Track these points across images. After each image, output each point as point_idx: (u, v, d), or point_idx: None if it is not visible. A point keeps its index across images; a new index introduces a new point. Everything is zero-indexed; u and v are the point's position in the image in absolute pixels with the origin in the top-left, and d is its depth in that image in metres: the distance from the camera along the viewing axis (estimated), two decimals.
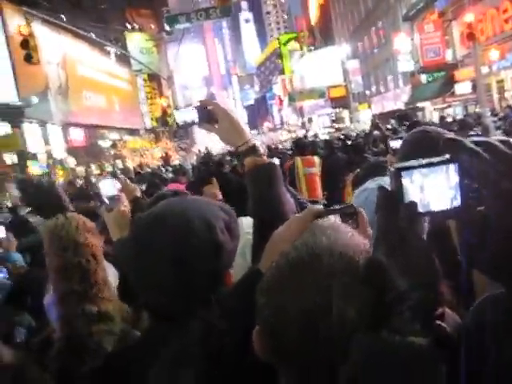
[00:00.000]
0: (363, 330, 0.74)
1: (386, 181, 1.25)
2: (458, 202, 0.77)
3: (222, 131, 1.60)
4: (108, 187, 2.48)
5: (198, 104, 1.63)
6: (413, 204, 0.75)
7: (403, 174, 0.76)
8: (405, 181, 0.76)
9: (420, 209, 0.76)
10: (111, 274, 1.75)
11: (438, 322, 0.73)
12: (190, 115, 1.62)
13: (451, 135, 0.78)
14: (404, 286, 0.72)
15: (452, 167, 0.76)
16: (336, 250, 0.81)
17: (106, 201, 2.40)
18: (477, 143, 0.76)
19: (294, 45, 74.28)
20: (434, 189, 0.77)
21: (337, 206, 1.09)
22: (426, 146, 1.44)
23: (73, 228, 1.58)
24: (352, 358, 0.72)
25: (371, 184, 1.74)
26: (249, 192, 1.62)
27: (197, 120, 1.61)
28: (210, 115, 1.60)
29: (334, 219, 0.95)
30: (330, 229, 0.87)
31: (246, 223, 2.00)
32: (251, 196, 1.61)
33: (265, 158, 1.61)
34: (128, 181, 2.81)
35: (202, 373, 1.05)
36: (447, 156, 0.76)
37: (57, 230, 1.59)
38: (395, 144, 3.11)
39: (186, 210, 1.35)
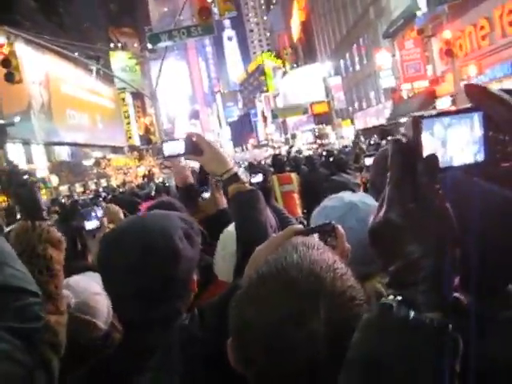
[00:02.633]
0: (373, 305, 0.68)
1: (344, 197, 1.28)
2: (481, 157, 0.68)
3: (206, 161, 1.73)
4: (91, 221, 2.60)
5: (184, 136, 1.72)
6: (434, 157, 0.66)
7: (423, 123, 0.67)
8: (424, 133, 0.67)
9: (441, 164, 0.67)
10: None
11: (456, 294, 0.67)
12: (176, 147, 1.72)
13: (475, 83, 0.72)
14: (418, 252, 0.65)
15: (476, 117, 0.68)
16: (305, 266, 0.82)
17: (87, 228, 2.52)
18: (504, 91, 0.68)
19: (276, 62, 74.82)
20: (457, 141, 0.68)
21: (315, 225, 1.13)
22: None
23: (35, 236, 1.56)
24: (359, 338, 0.67)
25: (329, 202, 1.78)
26: (232, 217, 1.75)
27: (183, 152, 1.71)
28: (195, 146, 1.70)
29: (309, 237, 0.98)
30: (301, 245, 0.88)
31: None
32: (234, 221, 1.73)
33: (246, 185, 1.72)
34: (111, 205, 2.89)
35: (184, 381, 1.07)
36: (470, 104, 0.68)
37: (20, 233, 1.58)
38: (369, 161, 3.15)
39: (145, 224, 1.44)
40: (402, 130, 0.73)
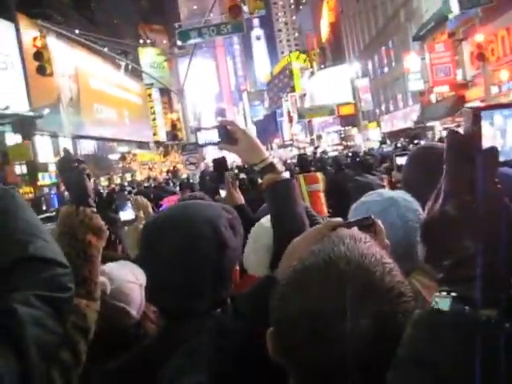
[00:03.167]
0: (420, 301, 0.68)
1: (384, 193, 1.24)
2: None
3: (241, 151, 1.69)
4: (126, 212, 2.60)
5: (218, 124, 1.70)
6: (494, 150, 0.64)
7: (482, 115, 0.65)
8: (483, 124, 0.64)
9: (500, 157, 0.65)
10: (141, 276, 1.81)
11: None
12: (210, 135, 1.70)
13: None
14: (475, 247, 0.63)
15: None
16: (353, 259, 0.79)
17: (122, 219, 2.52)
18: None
19: (303, 63, 74.66)
20: None
21: (354, 219, 1.11)
22: (430, 161, 1.45)
23: (77, 220, 1.62)
24: (412, 333, 0.66)
25: (368, 197, 1.75)
26: (268, 208, 1.73)
27: (217, 140, 1.68)
28: (229, 135, 1.67)
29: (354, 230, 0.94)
30: (348, 238, 0.85)
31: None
32: (270, 212, 1.71)
33: (282, 175, 1.69)
34: (139, 197, 2.87)
35: (214, 372, 1.06)
36: None
37: (64, 216, 1.64)
38: (400, 160, 3.10)
39: (190, 212, 1.42)
40: (429, 134, 0.71)
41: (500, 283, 0.62)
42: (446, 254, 0.66)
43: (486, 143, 0.64)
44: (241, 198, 2.65)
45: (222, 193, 2.69)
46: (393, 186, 4.62)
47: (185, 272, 1.31)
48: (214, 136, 1.69)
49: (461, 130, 0.68)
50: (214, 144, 1.71)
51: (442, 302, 0.64)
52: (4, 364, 1.01)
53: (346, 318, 0.74)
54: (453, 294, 0.64)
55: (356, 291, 0.75)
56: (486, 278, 0.62)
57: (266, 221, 2.09)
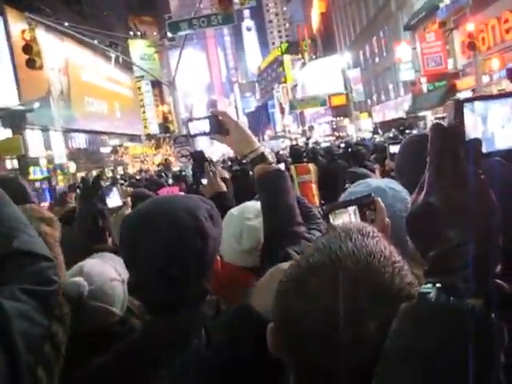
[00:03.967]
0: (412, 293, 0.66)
1: (371, 183, 1.23)
2: None
3: (232, 141, 1.70)
4: (113, 198, 2.58)
5: (210, 114, 1.70)
6: (477, 141, 0.65)
7: (465, 106, 0.65)
8: (466, 115, 0.65)
9: (484, 148, 0.65)
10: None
11: (498, 281, 0.64)
12: (202, 126, 1.69)
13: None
14: (459, 238, 0.63)
15: None
16: (361, 258, 0.75)
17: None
18: None
19: (293, 55, 74.48)
20: (499, 125, 0.66)
21: (354, 197, 1.10)
22: (422, 148, 1.44)
23: (26, 215, 1.62)
24: (398, 327, 0.65)
25: (356, 187, 1.74)
26: (259, 198, 1.73)
27: (209, 130, 1.69)
28: (220, 126, 1.67)
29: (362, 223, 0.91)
30: (356, 232, 0.80)
31: (247, 209, 2.04)
32: (261, 201, 1.71)
33: (273, 165, 1.70)
34: (128, 189, 2.87)
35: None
36: None
37: None
38: (393, 149, 3.12)
39: (170, 204, 1.42)
40: (421, 124, 0.71)
41: (485, 273, 0.62)
42: (431, 246, 0.66)
43: (468, 132, 0.64)
44: (222, 186, 2.70)
45: (204, 182, 2.76)
46: (384, 176, 4.63)
47: (168, 264, 1.30)
48: (206, 126, 1.69)
49: (444, 123, 0.68)
50: (205, 134, 1.72)
51: (428, 292, 0.64)
52: None
53: (354, 320, 0.72)
54: (438, 284, 0.64)
55: (364, 293, 0.72)
56: (471, 268, 0.62)
57: (235, 210, 2.09)
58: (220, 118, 1.68)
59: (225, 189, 2.72)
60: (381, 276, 0.74)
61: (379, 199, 1.03)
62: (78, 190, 2.42)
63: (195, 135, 1.73)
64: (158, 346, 1.30)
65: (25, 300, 1.16)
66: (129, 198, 2.65)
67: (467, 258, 0.62)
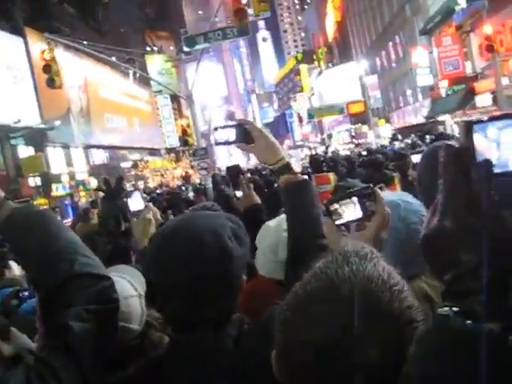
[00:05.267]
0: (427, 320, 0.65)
1: (384, 197, 1.24)
2: None
3: (258, 150, 1.67)
4: (135, 202, 2.58)
5: (236, 123, 1.69)
6: (488, 162, 0.64)
7: (476, 128, 0.65)
8: (477, 136, 0.65)
9: (495, 169, 0.64)
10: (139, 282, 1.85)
11: None
12: (229, 134, 1.68)
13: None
14: (475, 261, 0.62)
15: None
16: (359, 283, 0.73)
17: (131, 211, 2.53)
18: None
19: (309, 63, 74.51)
20: (511, 145, 0.65)
21: (352, 189, 1.11)
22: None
23: None
24: (416, 351, 0.64)
25: None
26: (284, 208, 1.72)
27: (234, 139, 1.67)
28: (246, 134, 1.65)
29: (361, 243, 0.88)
30: (353, 255, 0.78)
31: (283, 221, 2.04)
32: (286, 212, 1.70)
33: (299, 176, 1.67)
34: (149, 204, 2.86)
35: None
36: None
37: None
38: (416, 158, 3.10)
39: (195, 223, 1.42)
40: (441, 128, 0.71)
41: (501, 296, 0.61)
42: (446, 268, 0.66)
43: (481, 156, 0.64)
44: (257, 199, 2.70)
45: (238, 195, 2.76)
46: (405, 185, 4.60)
47: (190, 283, 1.31)
48: (231, 135, 1.67)
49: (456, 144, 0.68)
50: (231, 143, 1.69)
51: (446, 315, 0.64)
52: (69, 374, 1.17)
53: (352, 348, 0.69)
54: (455, 308, 0.63)
55: (361, 319, 0.70)
56: (487, 292, 0.61)
57: (271, 222, 2.10)
58: (246, 126, 1.66)
59: (259, 201, 2.73)
60: (378, 301, 0.71)
61: (378, 190, 1.03)
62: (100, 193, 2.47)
63: (221, 143, 1.71)
64: (179, 365, 1.30)
65: (90, 319, 1.26)
66: (150, 203, 2.64)
67: (483, 281, 0.61)
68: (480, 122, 0.65)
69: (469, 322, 0.61)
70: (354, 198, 1.08)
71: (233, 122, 1.70)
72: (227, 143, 1.70)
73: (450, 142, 0.68)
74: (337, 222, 1.14)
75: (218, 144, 1.73)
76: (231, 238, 1.37)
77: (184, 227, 1.42)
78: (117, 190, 2.67)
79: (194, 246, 1.33)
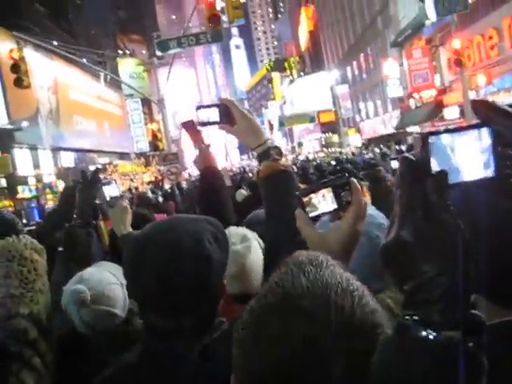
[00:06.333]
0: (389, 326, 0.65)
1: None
2: (491, 172, 0.67)
3: (239, 132, 1.58)
4: (111, 189, 2.63)
5: (219, 102, 1.59)
6: (443, 173, 0.65)
7: (430, 140, 0.67)
8: (432, 148, 0.66)
9: (450, 179, 0.66)
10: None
11: (473, 311, 0.63)
12: (211, 114, 1.58)
13: (481, 99, 0.73)
14: (433, 271, 0.63)
15: (485, 132, 0.67)
16: (317, 293, 0.70)
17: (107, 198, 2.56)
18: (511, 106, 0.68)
19: (280, 71, 74.96)
20: (466, 156, 0.67)
21: (327, 179, 1.08)
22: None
23: (21, 244, 1.95)
24: (377, 360, 0.63)
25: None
26: (262, 199, 1.60)
27: (218, 119, 1.57)
28: (229, 115, 1.56)
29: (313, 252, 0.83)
30: (308, 263, 0.74)
31: (231, 234, 1.99)
32: (264, 203, 1.59)
33: (281, 163, 1.56)
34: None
35: None
36: (478, 120, 0.68)
37: (7, 245, 1.95)
38: (395, 164, 3.14)
39: (174, 227, 1.37)
40: (410, 139, 0.73)
41: (460, 304, 0.62)
42: (406, 279, 0.66)
43: (436, 168, 0.66)
44: (215, 161, 2.53)
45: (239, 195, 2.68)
46: (379, 193, 4.62)
47: (167, 288, 1.26)
48: (215, 115, 1.57)
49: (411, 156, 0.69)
50: (214, 123, 1.59)
51: (406, 325, 0.64)
52: None
53: (317, 362, 0.66)
54: (415, 317, 0.63)
55: (324, 332, 0.67)
56: (446, 301, 0.63)
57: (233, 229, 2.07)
58: (228, 106, 1.56)
59: (217, 165, 2.55)
60: (339, 311, 0.69)
61: (354, 180, 1.01)
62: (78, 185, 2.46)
63: (204, 123, 1.60)
64: (147, 374, 1.27)
65: None
66: (126, 193, 2.68)
67: (441, 290, 0.63)
68: (435, 133, 0.67)
69: (429, 330, 0.61)
70: (329, 189, 1.04)
71: (216, 102, 1.59)
72: (210, 123, 1.59)
73: (406, 154, 0.69)
74: (311, 215, 1.08)
75: (200, 124, 1.61)
76: (211, 242, 1.33)
77: (161, 232, 1.36)
78: (93, 180, 2.66)
79: (170, 255, 1.28)
